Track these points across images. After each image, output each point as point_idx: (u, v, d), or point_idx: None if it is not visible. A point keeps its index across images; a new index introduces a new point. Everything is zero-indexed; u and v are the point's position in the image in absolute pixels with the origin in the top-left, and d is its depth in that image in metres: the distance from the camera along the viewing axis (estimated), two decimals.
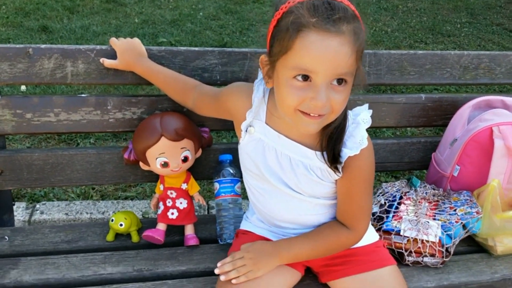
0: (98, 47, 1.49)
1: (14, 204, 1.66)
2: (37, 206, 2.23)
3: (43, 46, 1.45)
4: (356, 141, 1.21)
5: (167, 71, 1.49)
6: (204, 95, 1.42)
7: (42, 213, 2.18)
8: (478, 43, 5.04)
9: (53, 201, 2.29)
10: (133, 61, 1.47)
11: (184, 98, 1.47)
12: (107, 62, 1.47)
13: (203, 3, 5.37)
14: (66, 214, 2.19)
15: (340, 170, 1.23)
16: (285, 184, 1.28)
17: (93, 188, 2.42)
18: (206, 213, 2.24)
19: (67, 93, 3.14)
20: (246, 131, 1.29)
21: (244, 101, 1.28)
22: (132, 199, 2.36)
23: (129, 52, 1.47)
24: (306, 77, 1.07)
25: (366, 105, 1.28)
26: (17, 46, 1.44)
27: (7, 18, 4.52)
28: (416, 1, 6.20)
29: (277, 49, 1.08)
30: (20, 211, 2.17)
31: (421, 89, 3.55)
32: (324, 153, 1.22)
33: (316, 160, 1.23)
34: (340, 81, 1.08)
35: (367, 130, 1.24)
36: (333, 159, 1.21)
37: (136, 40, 1.49)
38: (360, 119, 1.23)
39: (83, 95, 1.52)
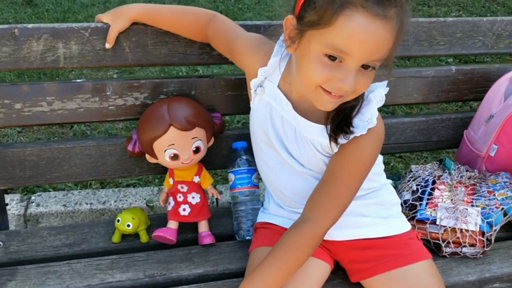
0: (93, 25, 1.31)
1: (7, 205, 1.50)
2: (33, 197, 2.07)
3: (30, 25, 1.27)
4: (364, 119, 1.09)
5: (173, 6, 1.35)
6: (220, 32, 1.28)
7: (38, 205, 2.03)
8: (482, 4, 4.84)
9: (49, 191, 2.14)
10: (128, 10, 1.31)
11: (200, 33, 1.32)
12: (111, 37, 1.30)
13: None
14: (64, 205, 2.04)
15: (337, 146, 1.11)
16: (289, 153, 1.19)
17: None
18: (215, 205, 2.09)
19: (61, 79, 2.94)
20: (255, 91, 1.18)
21: (260, 58, 1.18)
22: (134, 186, 2.21)
23: (118, 9, 1.32)
24: (337, 58, 0.96)
25: (385, 82, 1.15)
26: (1, 27, 1.25)
27: None
28: None
29: (312, 18, 0.96)
30: (14, 204, 2.01)
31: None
32: (328, 126, 1.11)
33: (318, 134, 1.13)
34: (368, 66, 0.98)
35: (383, 109, 1.10)
36: (336, 134, 1.09)
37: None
38: (373, 96, 1.12)
39: (78, 80, 1.35)
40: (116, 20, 1.30)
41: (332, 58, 0.97)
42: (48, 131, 2.59)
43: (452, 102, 2.62)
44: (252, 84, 1.19)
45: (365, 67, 0.98)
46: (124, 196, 2.12)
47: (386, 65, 1.03)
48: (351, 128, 1.08)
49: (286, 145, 1.18)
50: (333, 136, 1.09)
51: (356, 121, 1.09)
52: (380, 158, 1.24)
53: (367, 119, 1.09)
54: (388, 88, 1.15)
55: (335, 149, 1.11)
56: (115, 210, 2.06)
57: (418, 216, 1.38)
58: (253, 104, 1.23)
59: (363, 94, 1.10)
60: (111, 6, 4.12)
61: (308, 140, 1.15)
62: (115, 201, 2.09)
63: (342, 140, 1.09)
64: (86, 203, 2.06)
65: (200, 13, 1.32)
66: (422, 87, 1.57)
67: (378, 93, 1.13)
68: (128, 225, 1.34)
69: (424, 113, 2.66)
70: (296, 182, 1.20)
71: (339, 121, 1.09)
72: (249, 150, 1.42)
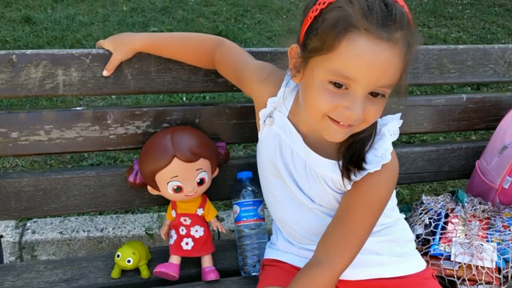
0: (94, 51, 1.26)
1: (2, 236, 1.44)
2: (28, 224, 2.00)
3: (28, 52, 1.22)
4: (378, 154, 1.04)
5: (177, 33, 1.30)
6: (228, 59, 1.23)
7: (34, 232, 1.96)
8: (482, 25, 4.84)
9: (45, 217, 2.07)
10: (132, 41, 1.26)
11: (206, 60, 1.27)
12: (111, 66, 1.25)
13: None
14: (61, 233, 1.97)
15: (351, 183, 1.05)
16: (298, 187, 1.14)
17: None
18: (217, 238, 2.02)
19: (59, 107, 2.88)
20: (264, 121, 1.13)
21: (270, 88, 1.14)
22: (133, 213, 2.14)
23: (122, 37, 1.27)
24: (342, 85, 0.91)
25: (398, 115, 1.11)
26: None
27: None
28: None
29: (316, 44, 0.92)
30: (9, 231, 1.95)
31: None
32: (340, 162, 1.05)
33: (329, 170, 1.08)
34: (376, 94, 0.93)
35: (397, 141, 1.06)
36: (348, 170, 1.04)
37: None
38: (386, 130, 1.06)
39: (78, 108, 1.30)
40: (118, 49, 1.25)
41: (337, 85, 0.92)
42: (44, 159, 2.51)
43: (463, 131, 2.56)
44: (261, 114, 1.15)
45: (374, 94, 0.94)
46: (123, 223, 2.05)
47: (398, 92, 0.99)
48: (364, 164, 1.03)
49: (295, 179, 1.13)
50: (346, 172, 1.04)
51: (370, 156, 1.04)
52: (393, 192, 1.19)
53: (381, 154, 1.04)
54: (401, 121, 1.10)
55: (348, 186, 1.06)
56: (113, 237, 2.00)
57: (432, 251, 1.32)
58: (261, 134, 1.17)
59: (375, 126, 1.05)
60: (110, 24, 4.09)
61: (319, 175, 1.09)
62: (113, 229, 2.02)
63: (355, 177, 1.04)
64: (84, 230, 1.99)
65: (206, 40, 1.27)
66: (432, 116, 1.52)
67: (391, 126, 1.08)
68: (129, 261, 1.27)
69: (435, 143, 2.62)
70: (306, 218, 1.15)
71: (351, 155, 1.04)
72: (255, 181, 1.37)
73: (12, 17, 4.11)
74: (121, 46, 1.26)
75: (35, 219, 2.03)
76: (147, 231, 2.01)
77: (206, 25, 4.16)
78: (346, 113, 0.93)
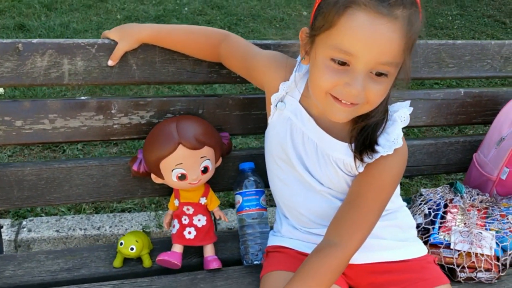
0: (100, 41, 1.27)
1: (2, 227, 1.43)
2: (24, 222, 1.99)
3: (35, 41, 1.23)
4: (390, 139, 1.06)
5: (183, 26, 1.32)
6: (235, 51, 1.25)
7: (30, 230, 1.95)
8: (471, 35, 4.92)
9: (41, 216, 2.06)
10: (138, 31, 1.27)
11: (211, 53, 1.29)
12: (116, 55, 1.26)
13: None
14: (57, 231, 1.96)
15: (363, 165, 1.07)
16: (307, 170, 1.15)
17: None
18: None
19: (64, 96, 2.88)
20: (276, 106, 1.14)
21: (282, 73, 1.15)
22: (129, 211, 2.14)
23: (128, 27, 1.29)
24: (344, 63, 0.94)
25: (408, 102, 1.13)
26: (4, 41, 1.21)
27: None
28: None
29: (320, 23, 0.95)
30: (5, 230, 1.93)
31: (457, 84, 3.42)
32: (352, 144, 1.07)
33: (341, 152, 1.09)
34: (380, 74, 0.95)
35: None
36: (361, 152, 1.06)
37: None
38: (398, 116, 1.09)
39: (82, 97, 1.30)
40: (124, 39, 1.26)
41: (339, 63, 0.94)
42: (39, 155, 2.52)
43: (461, 125, 2.60)
44: (273, 98, 1.16)
45: (377, 74, 0.95)
46: (120, 222, 2.05)
47: (402, 79, 1.01)
48: (377, 147, 1.05)
49: (305, 163, 1.14)
50: (358, 154, 1.06)
51: (382, 140, 1.06)
52: None
53: (393, 139, 1.06)
54: (412, 108, 1.12)
55: (361, 169, 1.08)
56: (110, 236, 1.99)
57: (432, 240, 1.34)
58: (271, 120, 1.19)
59: (386, 111, 1.07)
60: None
61: (331, 157, 1.11)
62: (110, 227, 2.02)
63: (367, 159, 1.06)
64: (80, 229, 1.98)
65: (211, 33, 1.29)
66: (431, 110, 1.55)
67: (402, 113, 1.10)
68: (132, 249, 1.27)
69: (433, 136, 2.65)
70: (314, 201, 1.16)
71: (364, 139, 1.06)
72: (257, 171, 1.38)
73: (5, 24, 4.11)
74: (127, 36, 1.27)
75: (31, 218, 2.02)
76: (144, 229, 2.00)
77: None
78: (346, 89, 0.95)
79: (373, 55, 0.92)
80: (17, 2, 4.60)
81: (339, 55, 0.93)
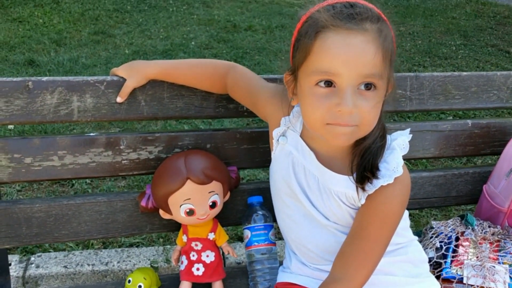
0: (109, 78, 1.29)
1: (10, 264, 1.42)
2: (32, 258, 1.98)
3: (44, 78, 1.25)
4: (390, 168, 1.05)
5: (189, 60, 1.34)
6: (241, 82, 1.27)
7: (38, 266, 1.94)
8: (476, 64, 4.94)
9: (49, 251, 2.05)
10: (146, 69, 1.29)
11: (218, 85, 1.30)
12: (124, 92, 1.27)
13: (194, 33, 5.21)
14: (65, 267, 1.95)
15: (365, 196, 1.06)
16: (313, 205, 1.14)
17: None
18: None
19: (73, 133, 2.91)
20: (277, 140, 1.15)
21: (284, 108, 1.16)
22: (137, 246, 2.13)
23: (135, 64, 1.31)
24: (329, 83, 0.97)
25: (407, 130, 1.14)
26: (14, 79, 1.23)
27: None
28: (408, 25, 6.13)
29: (298, 57, 0.99)
30: (13, 266, 1.92)
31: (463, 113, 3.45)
32: (353, 175, 1.06)
33: (343, 185, 1.08)
34: (368, 85, 0.96)
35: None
36: (362, 181, 1.05)
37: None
38: (396, 144, 1.08)
39: (91, 134, 1.31)
40: (132, 76, 1.28)
41: (326, 83, 0.96)
42: (48, 189, 2.52)
43: (469, 156, 2.60)
44: (275, 133, 1.17)
45: (366, 87, 0.96)
46: (128, 257, 2.03)
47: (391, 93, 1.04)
48: (378, 173, 1.04)
49: (309, 197, 1.14)
50: (360, 183, 1.05)
51: (382, 169, 1.06)
52: (406, 213, 1.19)
53: (393, 168, 1.05)
54: (411, 136, 1.12)
55: (363, 201, 1.07)
56: (118, 271, 1.97)
57: (444, 274, 1.32)
58: (274, 154, 1.19)
59: (384, 134, 1.07)
60: (112, 66, 4.11)
61: (332, 191, 1.10)
62: (118, 262, 2.00)
63: (369, 188, 1.05)
64: (88, 264, 1.97)
65: (218, 65, 1.31)
66: (439, 141, 1.54)
67: (401, 141, 1.10)
68: (140, 286, 1.26)
69: (442, 168, 2.63)
70: (321, 236, 1.15)
71: (364, 166, 1.05)
72: (265, 205, 1.37)
73: (16, 60, 4.18)
74: (135, 73, 1.28)
75: (39, 253, 2.01)
76: (152, 264, 1.98)
77: None
78: (338, 109, 0.96)
79: (353, 69, 0.94)
80: (27, 38, 4.70)
81: (322, 77, 0.96)
